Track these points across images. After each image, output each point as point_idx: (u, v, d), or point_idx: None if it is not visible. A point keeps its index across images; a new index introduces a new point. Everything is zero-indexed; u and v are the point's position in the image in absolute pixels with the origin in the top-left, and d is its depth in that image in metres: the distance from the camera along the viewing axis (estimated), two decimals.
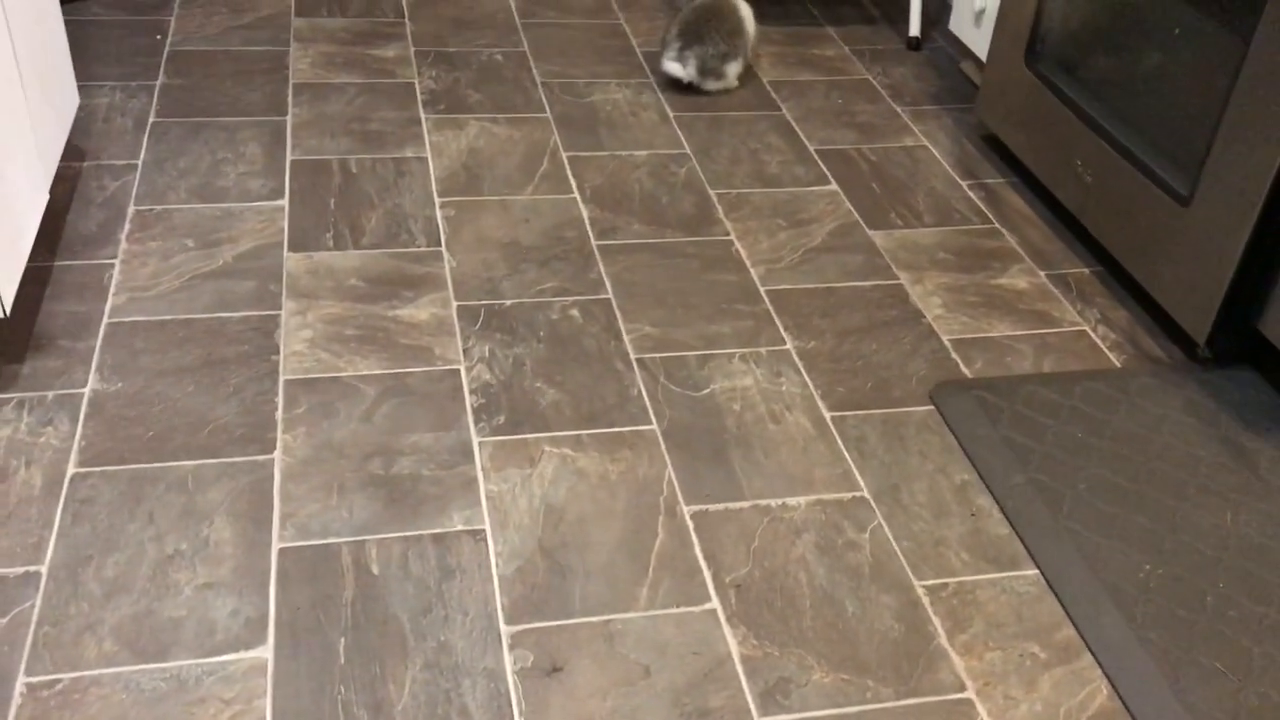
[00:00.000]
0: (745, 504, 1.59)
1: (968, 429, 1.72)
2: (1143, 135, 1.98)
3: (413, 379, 1.75)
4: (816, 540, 1.54)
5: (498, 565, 1.47)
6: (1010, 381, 1.82)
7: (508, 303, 1.92)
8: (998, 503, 1.61)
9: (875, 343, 1.91)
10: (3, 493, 1.50)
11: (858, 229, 2.20)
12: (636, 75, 2.68)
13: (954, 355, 1.89)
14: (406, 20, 2.84)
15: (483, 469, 1.60)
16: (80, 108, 2.34)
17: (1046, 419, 1.74)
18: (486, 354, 1.80)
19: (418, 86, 2.54)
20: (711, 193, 2.27)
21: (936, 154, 2.46)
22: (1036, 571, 1.52)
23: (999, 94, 2.39)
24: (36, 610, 1.35)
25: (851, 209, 2.25)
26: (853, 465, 1.67)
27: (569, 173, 2.29)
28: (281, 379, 1.73)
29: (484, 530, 1.51)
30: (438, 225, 2.10)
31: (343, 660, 1.33)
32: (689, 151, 2.40)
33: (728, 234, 2.15)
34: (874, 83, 2.74)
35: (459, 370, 1.77)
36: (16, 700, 1.25)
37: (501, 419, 1.69)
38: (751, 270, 2.05)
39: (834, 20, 3.04)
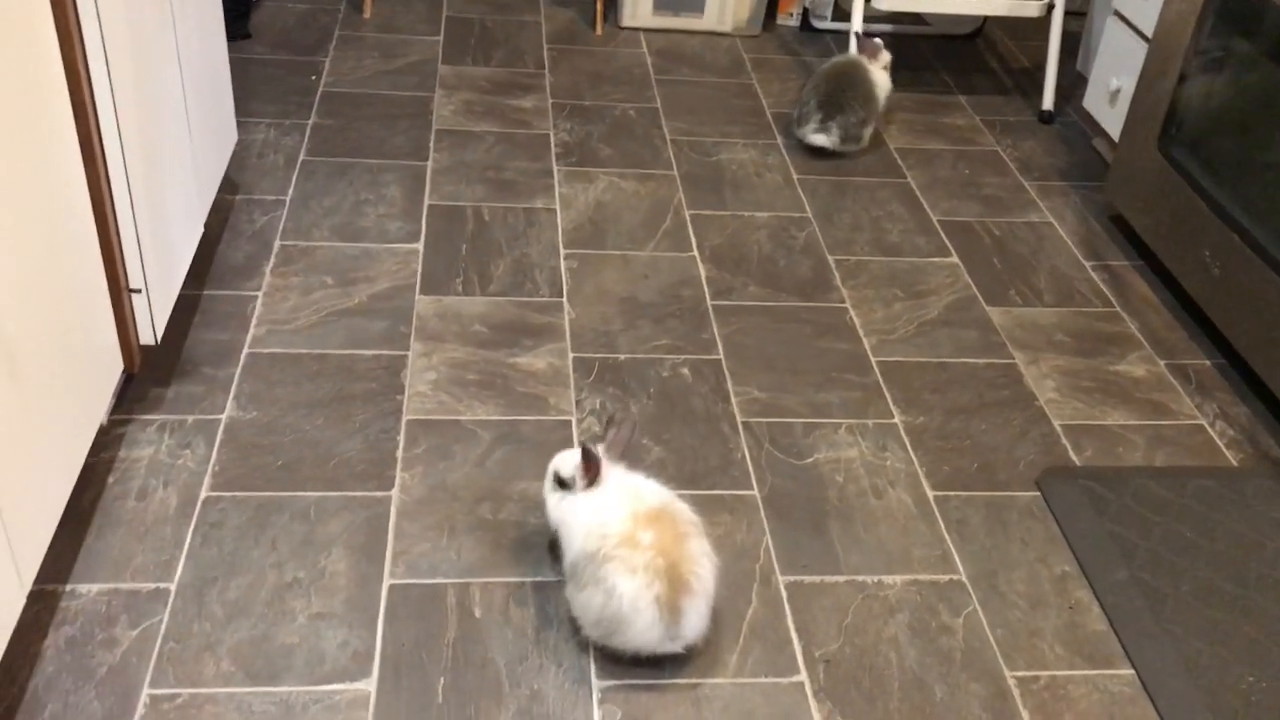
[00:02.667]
0: (841, 578, 1.61)
1: (1072, 519, 1.71)
2: (1276, 231, 1.94)
3: (526, 427, 1.81)
4: (910, 621, 1.55)
5: None
6: (1120, 473, 1.80)
7: (621, 357, 1.98)
8: (1097, 598, 1.60)
9: (985, 423, 1.91)
10: (142, 510, 1.61)
11: (975, 304, 2.20)
12: (764, 136, 2.72)
13: (1064, 441, 1.88)
14: (546, 72, 2.94)
15: None
16: (237, 142, 2.48)
17: (1155, 515, 1.72)
18: (598, 407, 1.86)
19: (552, 138, 2.64)
20: (830, 258, 2.30)
21: (1062, 232, 2.45)
22: (1132, 672, 1.50)
23: (1129, 175, 2.37)
24: (164, 626, 1.45)
25: (970, 283, 2.26)
26: (952, 547, 1.67)
27: (690, 231, 2.34)
28: (404, 418, 1.81)
29: None
30: (561, 276, 2.17)
31: (440, 700, 1.39)
32: (810, 215, 2.43)
33: (843, 301, 2.17)
34: (1003, 155, 2.74)
35: (570, 421, 1.83)
36: (140, 710, 1.34)
37: None
38: (864, 340, 2.08)
39: (966, 89, 3.04)
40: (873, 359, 2.03)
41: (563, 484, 1.50)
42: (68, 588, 1.48)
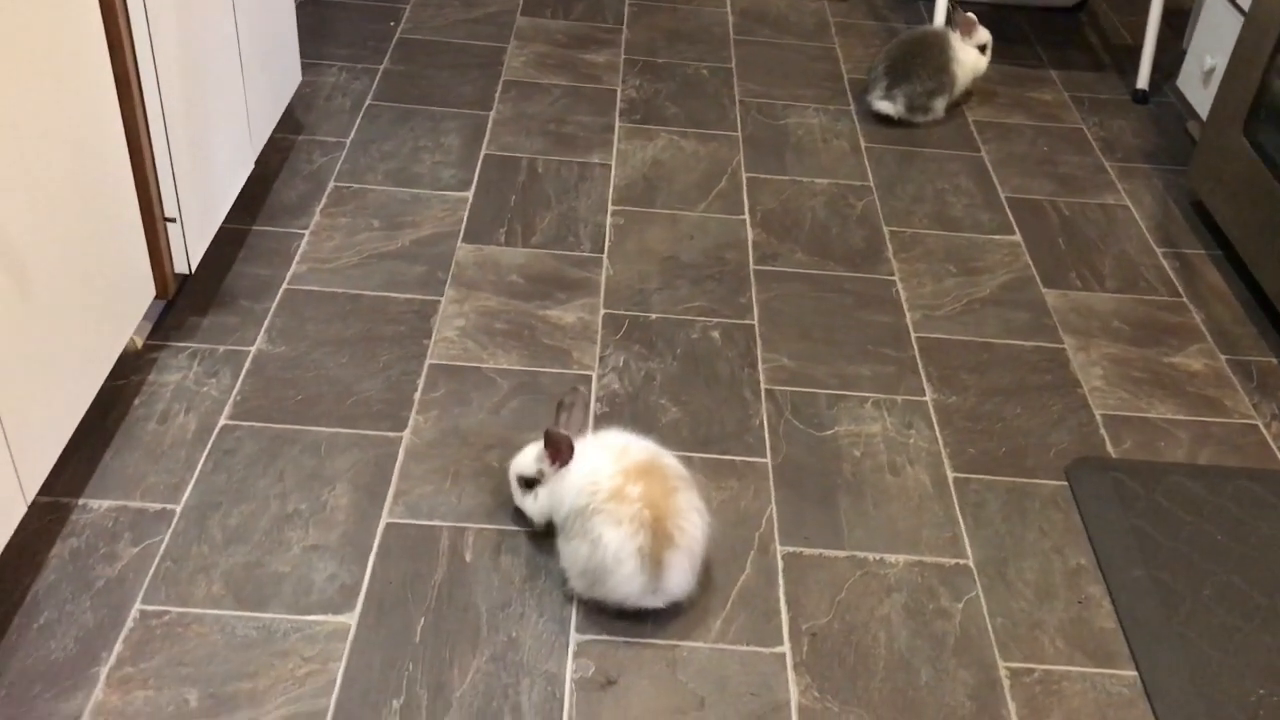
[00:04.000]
0: (841, 553, 1.57)
1: (1097, 511, 1.64)
2: None
3: (545, 379, 1.81)
4: (906, 602, 1.51)
5: None
6: (1155, 468, 1.72)
7: (653, 316, 1.96)
8: (1110, 594, 1.53)
9: (1020, 407, 1.84)
10: (161, 433, 1.66)
11: (1031, 285, 2.12)
12: (838, 101, 2.66)
13: (1102, 431, 1.80)
14: (624, 28, 2.91)
15: None
16: (307, 84, 2.52)
17: (1186, 514, 1.64)
18: (620, 364, 1.85)
19: (619, 94, 2.61)
20: (885, 229, 2.23)
21: (1136, 215, 2.34)
22: (1135, 673, 1.44)
23: (1212, 160, 2.24)
24: (164, 546, 1.49)
25: (1030, 263, 2.17)
26: (964, 530, 1.62)
27: (744, 194, 2.30)
28: (427, 362, 1.83)
29: None
30: (605, 232, 2.16)
31: (418, 639, 1.41)
32: (872, 184, 2.37)
33: (891, 274, 2.11)
34: (1087, 133, 2.62)
35: (591, 376, 1.82)
36: (129, 624, 1.39)
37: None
38: (907, 314, 2.02)
39: (1059, 64, 2.92)
40: (913, 334, 1.97)
41: (530, 483, 1.51)
42: (80, 502, 1.54)
